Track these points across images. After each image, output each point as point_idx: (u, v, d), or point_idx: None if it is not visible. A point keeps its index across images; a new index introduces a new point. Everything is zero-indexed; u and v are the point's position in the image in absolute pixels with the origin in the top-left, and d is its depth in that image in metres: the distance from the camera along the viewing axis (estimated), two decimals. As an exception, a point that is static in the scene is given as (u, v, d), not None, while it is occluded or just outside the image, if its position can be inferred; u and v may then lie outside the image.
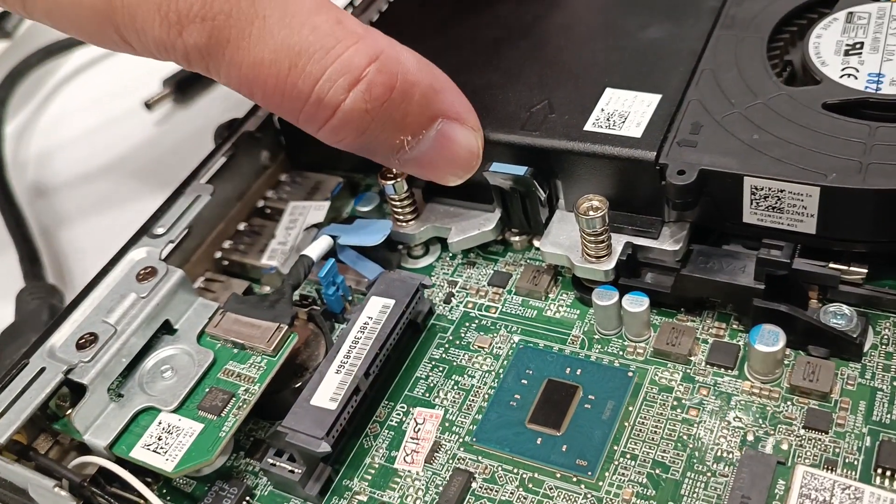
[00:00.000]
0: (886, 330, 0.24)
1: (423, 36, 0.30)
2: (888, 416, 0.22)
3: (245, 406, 0.23)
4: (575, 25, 0.29)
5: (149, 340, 0.24)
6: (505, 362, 0.25)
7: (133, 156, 0.38)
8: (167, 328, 0.25)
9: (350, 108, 0.22)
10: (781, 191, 0.23)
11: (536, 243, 0.27)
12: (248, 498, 0.23)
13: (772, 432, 0.22)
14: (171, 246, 0.26)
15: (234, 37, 0.21)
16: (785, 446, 0.22)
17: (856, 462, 0.21)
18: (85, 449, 0.23)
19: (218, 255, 0.28)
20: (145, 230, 0.26)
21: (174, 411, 0.23)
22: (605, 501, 0.21)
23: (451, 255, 0.28)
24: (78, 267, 0.34)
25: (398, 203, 0.27)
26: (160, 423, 0.23)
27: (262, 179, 0.30)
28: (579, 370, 0.24)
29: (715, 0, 0.29)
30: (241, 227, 0.29)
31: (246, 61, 0.21)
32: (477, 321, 0.26)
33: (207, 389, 0.23)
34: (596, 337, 0.25)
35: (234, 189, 0.29)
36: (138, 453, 0.22)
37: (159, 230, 0.26)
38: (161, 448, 0.22)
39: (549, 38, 0.29)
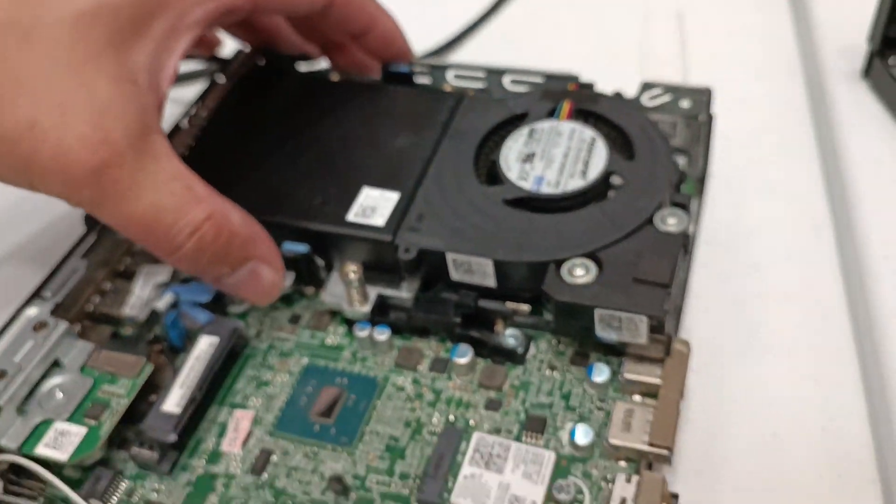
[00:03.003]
0: (542, 345, 0.35)
1: (241, 144, 0.40)
2: (535, 399, 0.34)
3: (117, 414, 0.32)
4: (347, 136, 0.40)
5: (45, 373, 0.33)
6: (297, 377, 0.35)
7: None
8: (57, 364, 0.34)
9: (190, 249, 0.32)
10: (469, 262, 0.35)
11: (321, 294, 0.37)
12: (119, 476, 0.32)
13: (464, 413, 0.34)
14: (56, 305, 0.35)
15: (117, 197, 0.30)
16: (472, 422, 0.33)
17: (512, 429, 0.33)
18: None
19: (91, 308, 0.37)
20: (36, 295, 0.36)
21: (66, 420, 0.32)
22: (357, 461, 0.33)
23: (262, 302, 0.39)
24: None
25: (222, 269, 0.38)
26: (56, 429, 0.32)
27: (121, 250, 0.39)
28: (346, 379, 0.35)
29: (444, 115, 0.39)
30: (108, 286, 0.38)
31: (124, 213, 0.30)
32: (279, 349, 0.36)
33: (90, 404, 0.33)
34: (358, 356, 0.36)
35: (102, 258, 0.38)
36: (41, 450, 0.31)
37: (47, 294, 0.36)
38: (58, 445, 0.31)
39: (328, 145, 0.39)
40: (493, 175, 0.38)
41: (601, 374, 0.34)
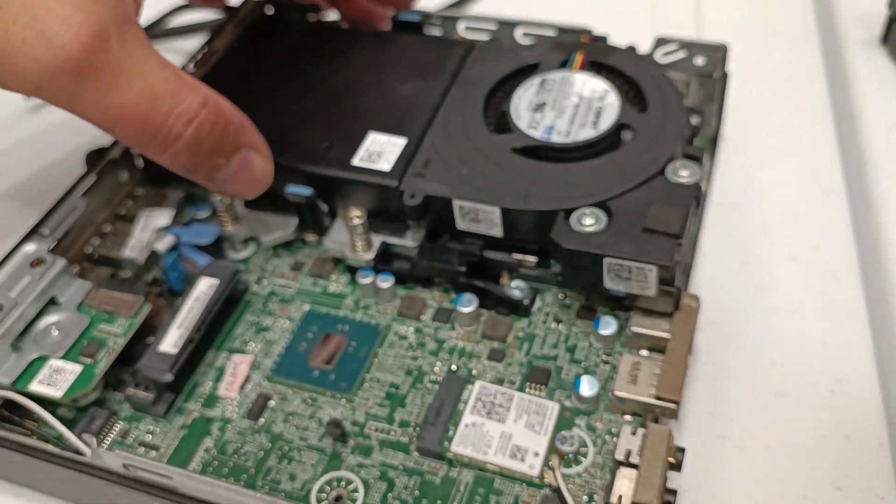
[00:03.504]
0: (548, 298, 0.35)
1: (247, 87, 0.38)
2: (540, 351, 0.34)
3: (112, 353, 0.32)
4: (353, 82, 0.39)
5: (41, 310, 0.33)
6: (298, 323, 0.35)
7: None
8: (54, 301, 0.33)
9: (189, 136, 0.30)
10: (476, 209, 0.34)
11: (324, 241, 0.37)
12: (114, 417, 0.32)
13: (467, 363, 0.33)
14: (54, 243, 0.35)
15: (104, 85, 0.27)
16: (475, 372, 0.33)
17: (515, 380, 0.33)
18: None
19: (90, 250, 0.37)
20: (35, 231, 0.35)
21: (61, 358, 0.32)
22: (356, 408, 0.32)
23: (263, 248, 0.38)
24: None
25: (223, 211, 0.37)
26: (51, 366, 0.32)
27: (123, 192, 0.38)
28: (347, 326, 0.34)
29: (454, 63, 0.39)
30: (108, 228, 0.38)
31: (113, 103, 0.28)
32: (280, 296, 0.36)
33: (86, 342, 0.32)
34: (361, 304, 0.36)
35: (102, 200, 0.37)
36: (35, 387, 0.31)
37: (45, 231, 0.35)
38: (52, 382, 0.31)
39: (335, 91, 0.39)
40: (502, 124, 0.37)
41: (608, 326, 0.33)
